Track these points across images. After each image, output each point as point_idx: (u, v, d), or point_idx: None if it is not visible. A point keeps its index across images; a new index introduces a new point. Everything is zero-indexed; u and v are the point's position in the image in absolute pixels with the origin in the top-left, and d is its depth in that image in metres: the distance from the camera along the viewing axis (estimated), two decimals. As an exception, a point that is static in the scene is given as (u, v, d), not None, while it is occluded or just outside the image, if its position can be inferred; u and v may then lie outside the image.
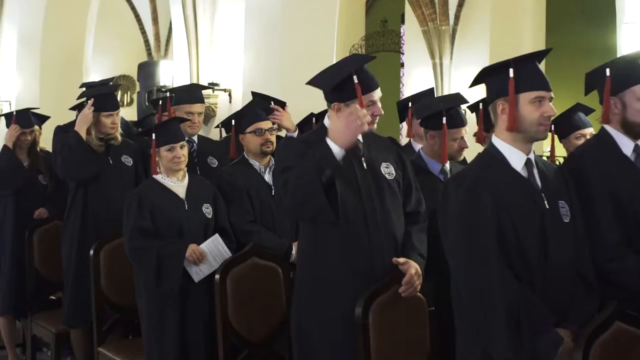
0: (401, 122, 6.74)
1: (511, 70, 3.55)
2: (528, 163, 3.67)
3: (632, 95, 3.93)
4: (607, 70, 3.98)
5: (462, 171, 3.92)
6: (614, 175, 3.92)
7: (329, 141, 3.89)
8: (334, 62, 10.81)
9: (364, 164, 4.16)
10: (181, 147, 5.37)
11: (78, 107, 6.52)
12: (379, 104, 4.15)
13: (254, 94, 6.64)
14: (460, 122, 5.12)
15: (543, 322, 3.48)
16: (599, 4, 11.32)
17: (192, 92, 6.84)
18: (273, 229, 5.56)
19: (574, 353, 3.38)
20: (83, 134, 6.09)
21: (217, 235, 5.25)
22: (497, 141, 3.69)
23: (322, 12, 10.36)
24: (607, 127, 4.06)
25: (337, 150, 3.87)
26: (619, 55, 7.24)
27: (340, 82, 4.06)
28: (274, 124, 5.88)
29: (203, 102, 6.74)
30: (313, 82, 4.20)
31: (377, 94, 4.11)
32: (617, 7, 7.17)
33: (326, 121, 4.21)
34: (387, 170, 4.21)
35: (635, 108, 3.92)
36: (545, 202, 3.63)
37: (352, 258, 4.06)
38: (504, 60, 3.61)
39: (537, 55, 3.69)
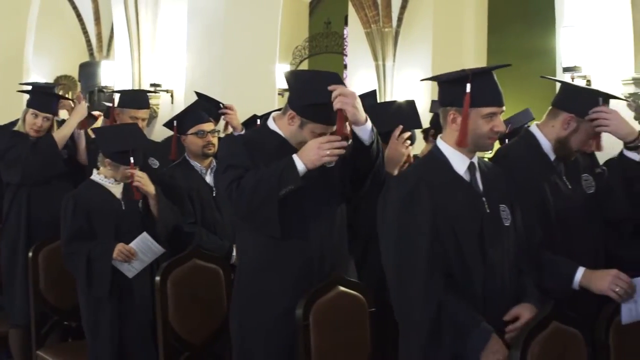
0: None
1: (468, 86, 3.55)
2: (471, 167, 3.70)
3: (589, 129, 4.05)
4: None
5: (406, 171, 3.94)
6: (539, 179, 4.04)
7: (295, 157, 3.90)
8: (277, 63, 10.87)
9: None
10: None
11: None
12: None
13: (198, 94, 6.61)
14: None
15: (470, 322, 3.51)
16: (539, 6, 11.46)
17: (139, 97, 6.82)
18: (214, 230, 5.54)
19: (512, 352, 3.41)
20: (70, 130, 6.19)
21: (144, 233, 5.22)
22: (442, 144, 3.72)
23: (265, 14, 10.33)
24: (534, 131, 4.17)
25: (301, 168, 3.88)
26: (557, 57, 7.34)
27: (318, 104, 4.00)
28: (217, 128, 5.87)
29: (149, 107, 6.73)
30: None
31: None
32: (557, 10, 7.26)
33: (270, 122, 4.20)
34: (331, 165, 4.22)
35: (580, 139, 4.02)
36: (486, 206, 3.67)
37: (293, 260, 4.06)
38: (463, 72, 3.61)
39: (495, 69, 3.70)
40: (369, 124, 3.94)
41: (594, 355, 3.71)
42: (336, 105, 3.83)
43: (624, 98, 4.34)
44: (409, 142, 4.67)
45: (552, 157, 4.09)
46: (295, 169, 3.86)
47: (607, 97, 4.09)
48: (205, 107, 6.14)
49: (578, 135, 4.02)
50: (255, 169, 3.94)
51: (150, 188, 5.27)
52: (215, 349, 5.01)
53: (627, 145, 4.08)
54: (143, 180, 5.22)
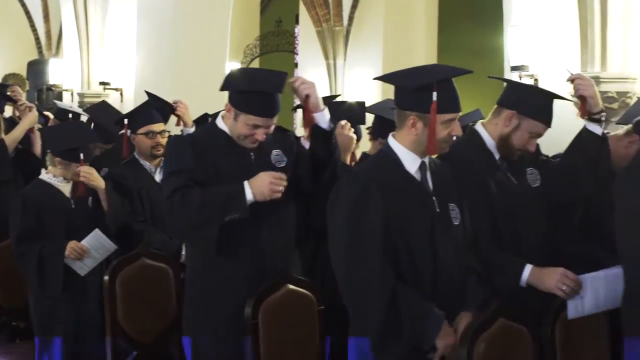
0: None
1: (435, 94, 3.54)
2: (422, 166, 3.72)
3: (529, 127, 4.06)
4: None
5: (358, 168, 3.96)
6: (486, 177, 4.05)
7: (246, 186, 3.94)
8: (227, 62, 10.85)
9: (252, 157, 4.18)
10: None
11: None
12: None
13: (148, 94, 6.57)
14: None
15: (424, 309, 3.56)
16: (488, 5, 11.56)
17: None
18: (163, 229, 5.51)
19: (459, 349, 3.44)
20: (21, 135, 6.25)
21: (97, 230, 5.19)
22: (394, 143, 3.71)
23: (215, 12, 10.32)
24: (479, 129, 4.19)
25: (250, 198, 3.93)
26: (505, 57, 7.41)
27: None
28: (166, 129, 5.84)
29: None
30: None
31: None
32: (505, 9, 7.33)
33: (218, 120, 4.20)
34: (277, 157, 4.23)
35: (521, 137, 4.05)
36: (436, 205, 3.69)
37: (244, 260, 4.06)
38: (428, 78, 3.60)
39: (457, 75, 3.71)
40: (327, 111, 4.10)
41: (540, 350, 3.74)
42: (304, 91, 4.02)
43: (570, 98, 4.35)
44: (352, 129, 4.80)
45: (497, 155, 4.11)
46: (244, 199, 3.93)
47: (552, 97, 4.13)
48: (155, 107, 6.09)
49: (519, 132, 4.03)
50: (204, 189, 3.97)
51: (99, 182, 5.25)
52: (165, 348, 4.99)
53: (593, 117, 4.09)
54: (90, 176, 5.19)
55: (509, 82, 4.30)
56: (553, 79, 5.36)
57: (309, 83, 4.07)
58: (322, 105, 4.10)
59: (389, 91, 3.90)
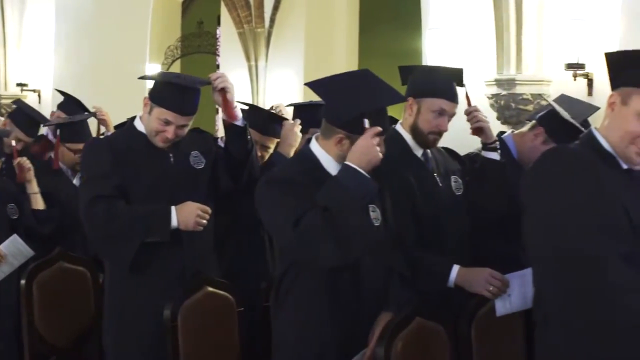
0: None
1: (367, 121, 3.47)
2: (424, 153, 3.92)
3: (430, 105, 4.08)
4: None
5: (276, 169, 3.96)
6: (407, 173, 4.08)
7: (173, 213, 3.96)
8: (147, 63, 10.78)
9: (171, 159, 4.17)
10: None
11: None
12: None
13: (61, 93, 6.49)
14: None
15: None
16: (408, 9, 11.67)
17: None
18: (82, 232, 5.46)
19: (376, 349, 3.47)
20: None
21: (15, 235, 5.15)
22: (316, 147, 3.69)
23: (135, 13, 10.24)
24: (398, 128, 4.21)
25: (174, 225, 3.96)
26: (423, 59, 7.49)
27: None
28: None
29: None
30: None
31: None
32: (423, 13, 7.41)
33: (137, 122, 4.19)
34: (196, 159, 4.23)
35: (425, 117, 4.07)
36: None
37: (164, 262, 4.05)
38: (359, 111, 3.50)
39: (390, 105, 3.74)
40: (239, 108, 4.26)
41: (457, 348, 3.79)
42: (220, 85, 4.11)
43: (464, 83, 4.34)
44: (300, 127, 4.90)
45: (419, 152, 4.14)
46: (168, 225, 3.95)
47: (444, 72, 4.25)
48: (71, 108, 6.03)
49: (422, 115, 4.05)
50: (130, 205, 3.99)
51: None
52: (83, 352, 4.94)
53: (489, 146, 4.21)
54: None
55: (400, 68, 4.30)
56: (470, 80, 5.42)
57: (227, 78, 4.15)
58: (235, 103, 4.20)
59: (312, 93, 3.91)
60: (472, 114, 4.20)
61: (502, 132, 4.83)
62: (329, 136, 3.61)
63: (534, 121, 4.60)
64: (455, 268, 3.89)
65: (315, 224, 3.38)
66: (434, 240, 4.05)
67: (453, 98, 4.09)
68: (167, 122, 4.05)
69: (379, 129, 3.48)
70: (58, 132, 5.73)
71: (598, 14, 6.29)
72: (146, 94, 4.18)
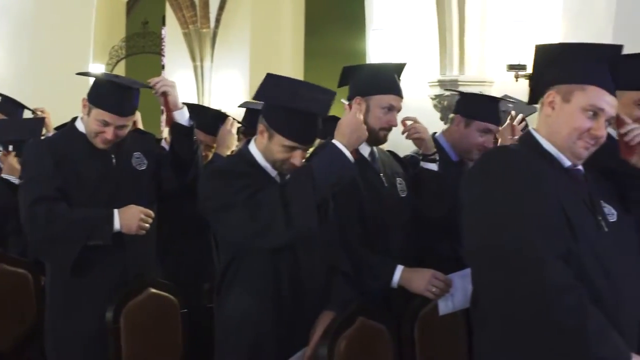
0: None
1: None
2: (372, 152, 3.93)
3: (378, 102, 4.10)
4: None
5: (216, 163, 3.97)
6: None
7: (115, 216, 3.93)
8: (91, 63, 10.66)
9: (113, 160, 4.15)
10: None
11: None
12: None
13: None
14: None
15: None
16: (352, 10, 11.71)
17: None
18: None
19: (319, 349, 3.48)
20: None
21: None
22: (254, 148, 3.69)
23: (78, 13, 10.14)
24: None
25: (117, 228, 3.93)
26: (367, 60, 7.51)
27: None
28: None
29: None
30: None
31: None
32: (367, 13, 7.43)
33: (78, 122, 4.16)
34: (138, 160, 4.23)
35: (375, 114, 4.09)
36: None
37: (106, 264, 4.02)
38: (295, 106, 3.55)
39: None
40: (186, 109, 4.25)
41: (400, 348, 3.81)
42: (160, 89, 4.15)
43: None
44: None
45: (366, 152, 4.16)
46: (111, 228, 3.92)
47: (383, 69, 4.27)
48: (10, 108, 5.97)
49: (372, 113, 4.05)
50: (72, 207, 3.95)
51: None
52: (25, 355, 4.89)
53: (428, 158, 4.27)
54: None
55: (345, 69, 4.32)
56: (414, 81, 5.46)
57: (167, 81, 4.18)
58: (180, 104, 4.22)
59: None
60: (410, 126, 4.24)
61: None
62: (260, 132, 3.66)
63: (451, 115, 4.73)
64: (399, 269, 3.89)
65: (272, 199, 3.41)
66: (378, 240, 4.04)
67: (400, 93, 4.14)
68: (106, 123, 4.02)
69: (363, 106, 3.79)
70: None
71: (539, 15, 6.37)
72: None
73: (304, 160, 3.70)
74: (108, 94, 4.04)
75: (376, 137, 4.10)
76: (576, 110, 2.93)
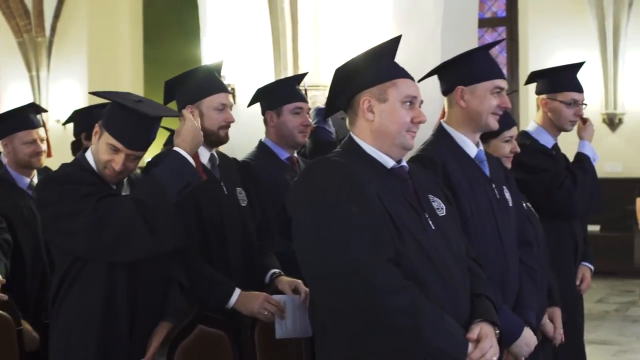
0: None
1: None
2: (211, 158, 4.00)
3: (209, 104, 4.10)
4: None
5: (50, 172, 3.89)
6: None
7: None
8: None
9: None
10: None
11: None
12: None
13: None
14: None
15: None
16: (188, 17, 11.68)
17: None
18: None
19: (157, 358, 3.45)
20: None
21: None
22: (88, 154, 3.66)
23: None
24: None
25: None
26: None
27: None
28: None
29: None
30: None
31: None
32: (201, 20, 7.41)
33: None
34: None
35: (210, 116, 4.09)
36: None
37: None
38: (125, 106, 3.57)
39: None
40: None
41: (241, 354, 3.82)
42: None
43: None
44: None
45: (206, 157, 4.13)
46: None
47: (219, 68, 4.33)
48: None
49: (206, 115, 4.02)
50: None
51: None
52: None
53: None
54: None
55: (165, 84, 4.34)
56: (249, 88, 5.47)
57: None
58: None
59: (96, 101, 3.87)
60: None
61: None
62: (94, 132, 3.65)
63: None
64: (237, 292, 3.87)
65: (125, 210, 3.39)
66: (217, 250, 4.05)
67: (225, 89, 4.17)
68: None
69: (196, 113, 3.88)
70: None
71: (371, 19, 6.47)
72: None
73: (138, 169, 3.68)
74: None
75: (217, 138, 4.10)
76: (396, 106, 3.03)
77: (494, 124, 3.64)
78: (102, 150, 3.55)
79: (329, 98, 3.23)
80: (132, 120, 3.53)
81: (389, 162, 3.06)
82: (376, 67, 3.09)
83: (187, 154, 3.57)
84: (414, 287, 2.81)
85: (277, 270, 4.11)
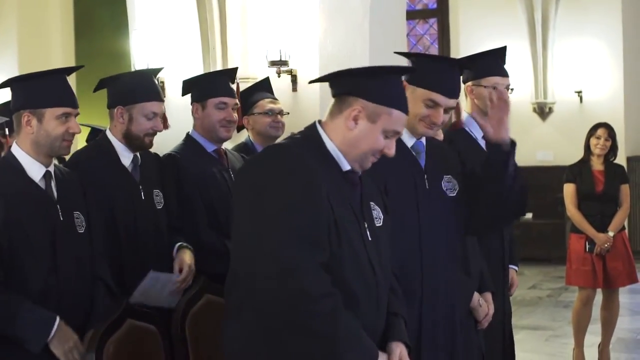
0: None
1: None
2: (47, 175, 3.63)
3: (141, 110, 4.11)
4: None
5: None
6: (111, 184, 4.10)
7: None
8: None
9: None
10: None
11: None
12: None
13: None
14: None
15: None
16: (117, 11, 11.62)
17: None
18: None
19: (87, 355, 3.43)
20: None
21: None
22: (18, 151, 3.60)
23: None
24: (108, 135, 4.23)
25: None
26: (132, 60, 7.46)
27: None
28: None
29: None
30: None
31: None
32: (129, 14, 7.39)
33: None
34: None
35: (139, 122, 4.10)
36: (60, 213, 3.60)
37: None
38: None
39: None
40: None
41: (171, 347, 3.81)
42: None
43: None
44: None
45: (129, 159, 4.15)
46: None
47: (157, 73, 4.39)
48: None
49: (135, 120, 4.14)
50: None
51: None
52: None
53: None
54: None
55: (100, 82, 4.32)
56: (178, 80, 5.47)
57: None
58: None
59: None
60: None
61: None
62: (19, 125, 3.62)
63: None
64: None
65: None
66: (131, 257, 4.09)
67: (161, 98, 4.24)
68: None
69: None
70: None
71: (298, 11, 6.50)
72: None
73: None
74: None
75: (142, 143, 4.16)
76: (378, 132, 2.95)
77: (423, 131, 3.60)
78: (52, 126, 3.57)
79: (332, 74, 3.08)
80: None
81: (345, 166, 2.99)
82: (387, 88, 2.99)
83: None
84: (338, 297, 2.78)
85: (183, 243, 4.22)
